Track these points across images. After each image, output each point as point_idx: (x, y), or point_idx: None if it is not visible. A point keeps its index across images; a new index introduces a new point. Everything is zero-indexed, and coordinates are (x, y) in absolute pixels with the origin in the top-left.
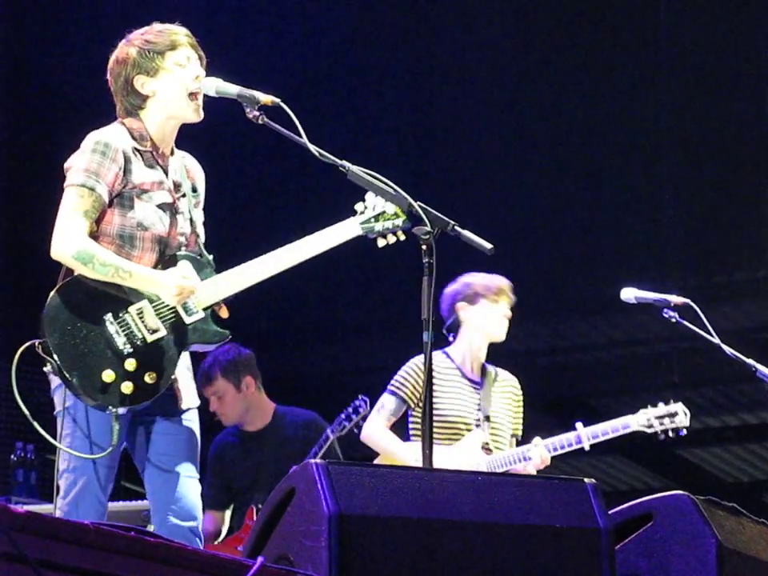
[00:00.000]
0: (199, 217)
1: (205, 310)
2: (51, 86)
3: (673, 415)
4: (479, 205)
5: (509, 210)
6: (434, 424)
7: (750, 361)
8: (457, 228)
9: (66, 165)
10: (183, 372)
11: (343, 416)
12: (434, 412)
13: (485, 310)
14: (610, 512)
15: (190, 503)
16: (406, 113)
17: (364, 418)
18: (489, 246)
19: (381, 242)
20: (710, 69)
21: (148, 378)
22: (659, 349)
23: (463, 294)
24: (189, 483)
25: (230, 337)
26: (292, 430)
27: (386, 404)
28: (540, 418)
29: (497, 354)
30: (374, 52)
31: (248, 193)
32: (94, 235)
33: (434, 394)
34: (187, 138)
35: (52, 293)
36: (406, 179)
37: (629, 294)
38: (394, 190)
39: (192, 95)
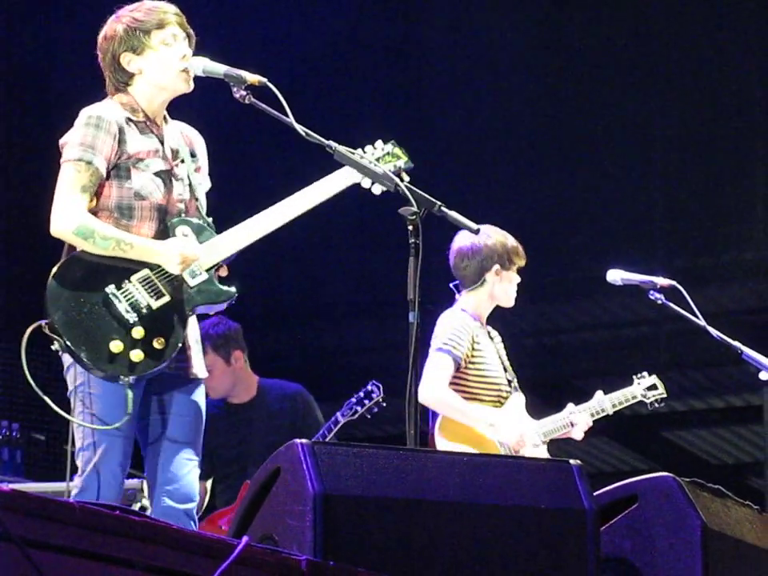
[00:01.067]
0: (201, 182)
1: (208, 271)
2: (47, 69)
3: (653, 387)
4: (465, 188)
5: (495, 193)
6: (482, 385)
7: (736, 343)
8: (443, 209)
9: (61, 141)
10: (193, 344)
11: (354, 400)
12: (481, 374)
13: (512, 280)
14: (595, 493)
15: (187, 485)
16: (395, 94)
17: (378, 405)
18: (475, 226)
19: (377, 189)
20: (698, 57)
21: (156, 344)
22: (645, 331)
23: (499, 257)
24: (188, 465)
25: (236, 294)
26: (278, 402)
27: (443, 364)
28: (528, 400)
29: None
30: (368, 36)
31: (244, 156)
32: (93, 210)
33: (478, 354)
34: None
35: (52, 272)
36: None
37: (615, 275)
38: (381, 169)
39: (180, 72)
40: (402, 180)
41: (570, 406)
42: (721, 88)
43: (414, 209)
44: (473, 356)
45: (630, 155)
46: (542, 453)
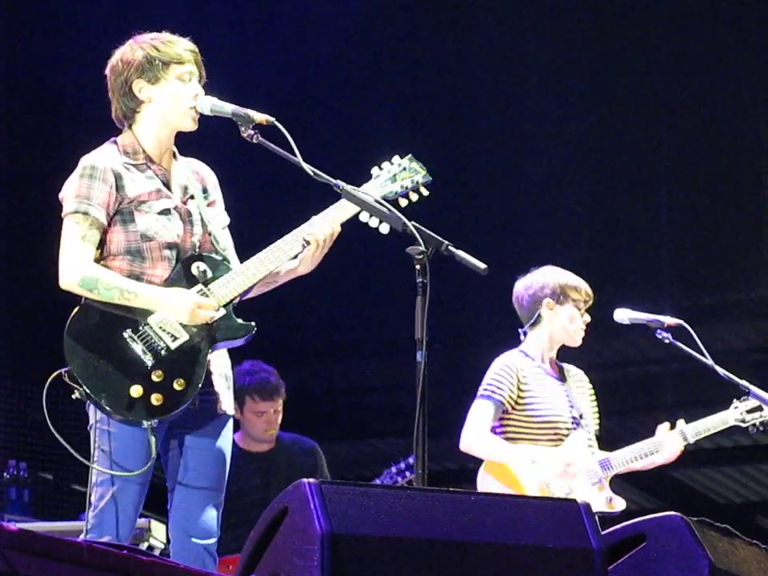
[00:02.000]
0: (214, 217)
1: (225, 306)
2: (47, 95)
3: (759, 409)
4: (470, 225)
5: (502, 230)
6: (534, 425)
7: (743, 382)
8: (451, 248)
9: (60, 195)
10: (219, 380)
11: (394, 470)
12: (532, 413)
13: (572, 315)
14: (603, 532)
15: (207, 521)
16: (399, 120)
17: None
18: (483, 266)
19: (403, 202)
20: (706, 92)
21: (177, 386)
22: (652, 370)
23: (552, 291)
24: (210, 501)
25: (255, 329)
26: (300, 455)
27: (484, 410)
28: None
29: (483, 376)
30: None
31: (262, 186)
32: (103, 257)
33: (528, 394)
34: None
35: (69, 320)
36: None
37: (622, 314)
38: (388, 209)
39: (188, 111)
40: (420, 195)
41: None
42: (727, 128)
43: (422, 248)
44: (519, 396)
45: (637, 194)
46: (605, 491)
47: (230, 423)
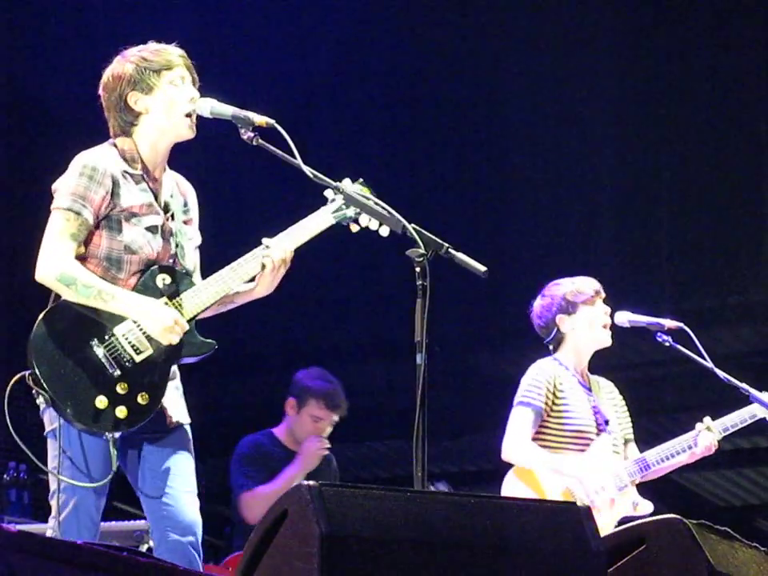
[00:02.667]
0: (191, 236)
1: (189, 321)
2: (46, 106)
3: None
4: (469, 227)
5: (502, 232)
6: (566, 434)
7: (744, 385)
8: (450, 250)
9: (53, 186)
10: (172, 391)
11: None
12: (565, 422)
13: (587, 316)
14: (602, 536)
15: (188, 518)
16: (396, 126)
17: None
18: (483, 268)
19: (354, 228)
20: (706, 100)
21: (141, 400)
22: (653, 373)
23: (559, 307)
24: (186, 498)
25: (216, 347)
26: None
27: (524, 417)
28: None
29: (490, 381)
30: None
31: (233, 198)
32: (82, 257)
33: (562, 402)
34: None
35: (36, 323)
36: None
37: (622, 317)
38: (388, 211)
39: (186, 115)
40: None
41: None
42: (728, 130)
43: (422, 250)
44: (554, 403)
45: (639, 199)
46: (631, 495)
47: (188, 430)
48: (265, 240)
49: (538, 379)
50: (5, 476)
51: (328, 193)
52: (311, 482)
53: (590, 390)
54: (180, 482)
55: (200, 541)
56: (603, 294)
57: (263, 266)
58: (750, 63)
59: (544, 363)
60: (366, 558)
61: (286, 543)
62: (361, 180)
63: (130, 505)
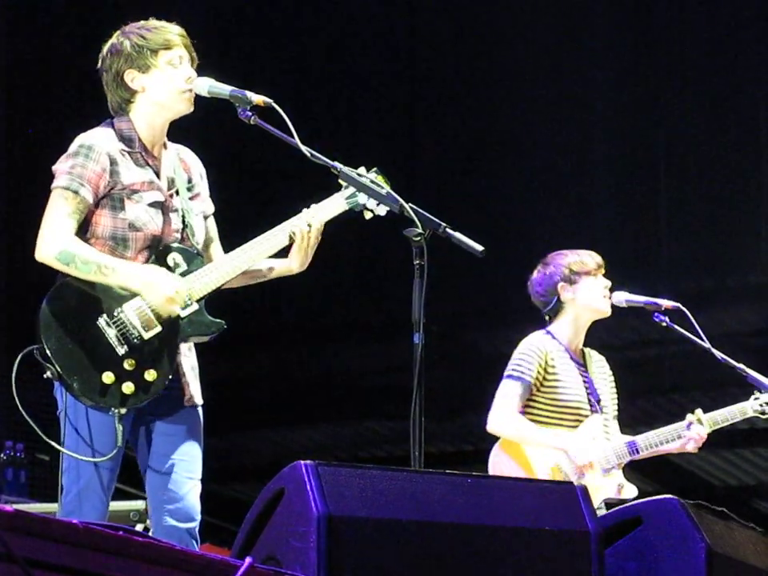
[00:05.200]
0: (199, 210)
1: (198, 301)
2: (45, 85)
3: None
4: (469, 207)
5: (498, 213)
6: (558, 409)
7: (741, 365)
8: (448, 230)
9: (53, 168)
10: (188, 370)
11: None
12: (557, 396)
13: (588, 286)
14: (599, 515)
15: (188, 504)
16: (397, 116)
17: None
18: (480, 248)
19: (368, 215)
20: (703, 80)
21: (148, 376)
22: (650, 353)
23: (561, 275)
24: (188, 484)
25: (225, 327)
26: None
27: (512, 390)
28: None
29: (488, 360)
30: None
31: (243, 179)
32: (86, 238)
33: (553, 377)
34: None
35: (45, 298)
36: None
37: (620, 297)
38: (386, 191)
39: (183, 93)
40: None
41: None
42: (727, 111)
43: (419, 230)
44: (545, 378)
45: (635, 178)
46: (616, 477)
47: (200, 412)
48: (304, 210)
49: (528, 353)
50: (1, 455)
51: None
52: (308, 462)
53: (583, 365)
54: (184, 466)
55: (198, 528)
56: (604, 269)
57: (291, 241)
58: (753, 47)
59: (536, 337)
60: (363, 537)
61: (283, 522)
62: (375, 169)
63: (128, 485)
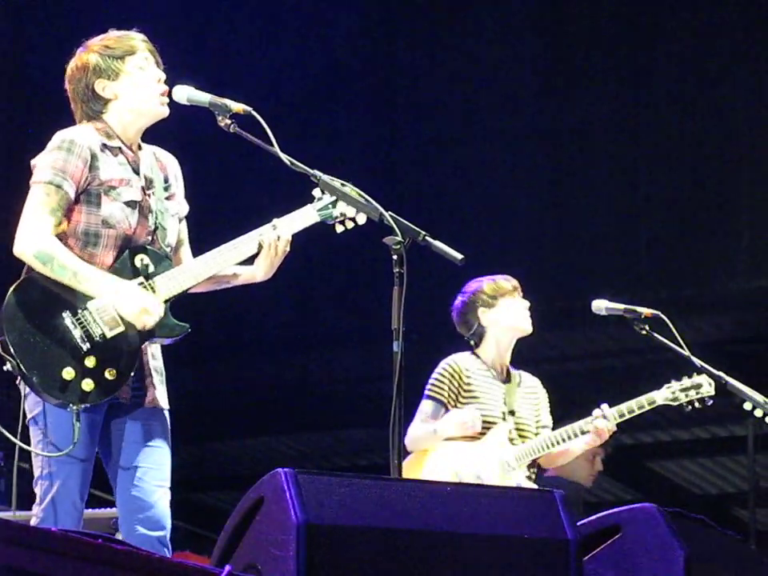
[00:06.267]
0: (174, 212)
1: (164, 303)
2: (26, 82)
3: (698, 386)
4: (449, 217)
5: (478, 221)
6: None
7: (720, 373)
8: (428, 238)
9: (32, 162)
10: (152, 373)
11: None
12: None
13: (507, 307)
14: (578, 523)
15: (158, 512)
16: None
17: None
18: (459, 256)
19: (339, 228)
20: (687, 80)
21: (108, 375)
22: (629, 360)
23: (481, 300)
24: (158, 492)
25: (189, 330)
26: None
27: (425, 409)
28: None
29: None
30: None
31: (216, 182)
32: (59, 233)
33: (471, 393)
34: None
35: (10, 291)
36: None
37: (599, 305)
38: (366, 199)
39: (157, 96)
40: (355, 224)
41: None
42: (707, 118)
43: (399, 238)
44: (461, 395)
45: (614, 185)
46: (515, 477)
47: (167, 416)
48: (275, 220)
49: (442, 374)
50: None
51: (316, 192)
52: (287, 470)
53: (505, 382)
54: (153, 474)
55: (168, 536)
56: (521, 292)
57: (260, 247)
58: (733, 51)
59: (454, 357)
60: (342, 545)
61: (262, 530)
62: (350, 184)
63: (107, 492)
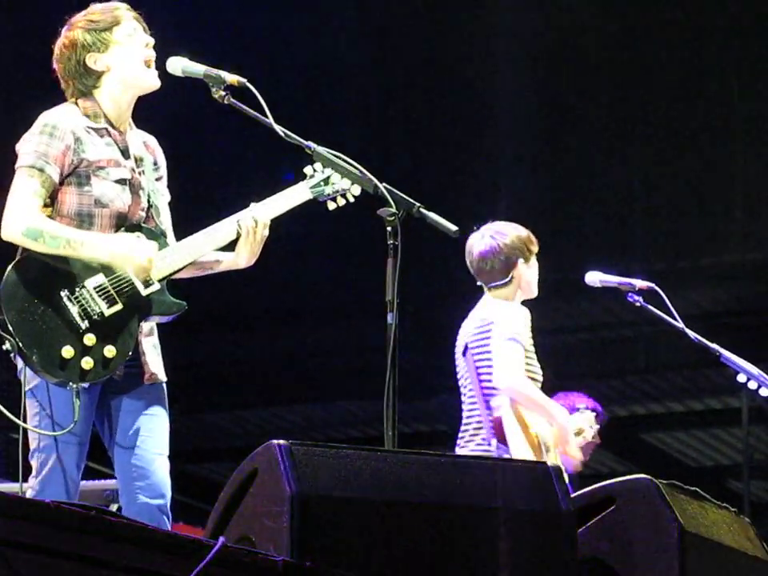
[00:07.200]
0: (159, 190)
1: (161, 281)
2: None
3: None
4: (444, 189)
5: (474, 193)
6: (532, 377)
7: (715, 346)
8: (422, 210)
9: (17, 147)
10: (149, 348)
11: None
12: (534, 365)
13: (533, 267)
14: (572, 495)
15: (158, 480)
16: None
17: None
18: (454, 228)
19: (331, 205)
20: (681, 55)
21: (107, 353)
22: (624, 333)
23: (521, 251)
24: (157, 460)
25: (186, 307)
26: None
27: (518, 354)
28: None
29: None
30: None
31: (205, 164)
32: (52, 216)
33: (532, 348)
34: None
35: (8, 270)
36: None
37: (593, 277)
38: (360, 171)
39: (147, 62)
40: (347, 201)
41: None
42: (701, 93)
43: (393, 210)
44: (527, 350)
45: (608, 158)
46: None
47: (164, 388)
48: (252, 204)
49: (523, 322)
50: None
51: (307, 169)
52: (281, 441)
53: None
54: (152, 443)
55: (169, 504)
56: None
57: (238, 234)
58: (728, 24)
59: (520, 306)
60: (336, 517)
61: (256, 502)
62: (341, 155)
63: (101, 464)
